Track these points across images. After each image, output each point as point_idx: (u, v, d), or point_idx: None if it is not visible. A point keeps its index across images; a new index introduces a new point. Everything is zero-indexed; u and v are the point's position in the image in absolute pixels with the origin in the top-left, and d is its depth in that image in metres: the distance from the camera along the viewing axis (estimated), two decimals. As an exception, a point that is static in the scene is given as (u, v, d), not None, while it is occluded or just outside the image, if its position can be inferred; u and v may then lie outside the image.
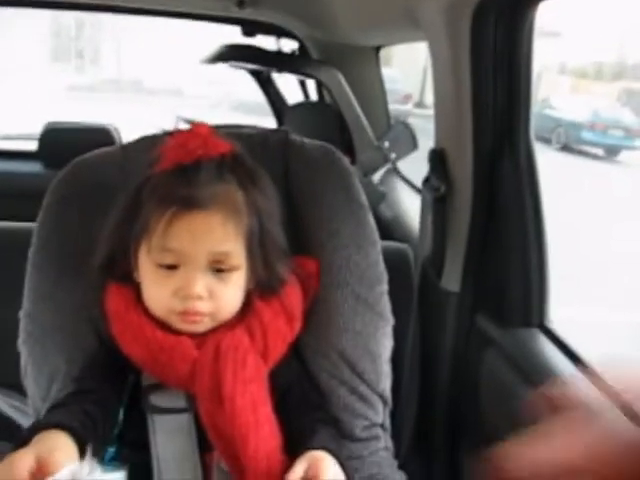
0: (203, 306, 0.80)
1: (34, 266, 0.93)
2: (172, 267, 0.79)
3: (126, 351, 0.82)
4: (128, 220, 0.82)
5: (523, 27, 1.02)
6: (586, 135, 9.79)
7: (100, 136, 2.21)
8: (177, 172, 0.79)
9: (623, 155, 9.92)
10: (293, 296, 0.89)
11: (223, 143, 0.82)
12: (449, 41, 1.08)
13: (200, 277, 0.79)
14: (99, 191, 0.94)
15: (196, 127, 0.82)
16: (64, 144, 2.06)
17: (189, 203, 0.77)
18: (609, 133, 9.74)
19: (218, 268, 0.80)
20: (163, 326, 0.82)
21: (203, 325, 0.82)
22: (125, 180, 0.94)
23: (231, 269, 0.81)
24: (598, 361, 0.98)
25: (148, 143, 0.98)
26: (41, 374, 0.91)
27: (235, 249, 0.81)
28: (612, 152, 9.94)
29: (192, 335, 0.82)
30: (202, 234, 0.78)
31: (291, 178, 0.99)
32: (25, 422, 1.03)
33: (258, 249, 0.83)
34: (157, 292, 0.81)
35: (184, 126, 0.84)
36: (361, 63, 1.90)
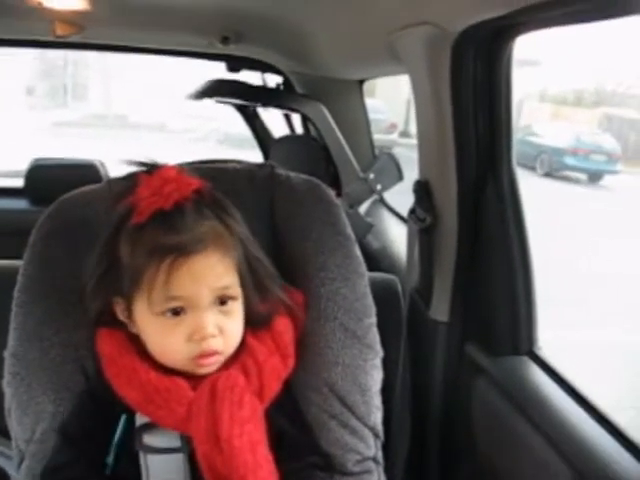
0: (217, 343, 0.80)
1: (19, 305, 0.92)
2: (178, 314, 0.78)
3: (120, 393, 0.81)
4: (109, 276, 0.81)
5: (502, 59, 1.05)
6: (569, 161, 9.96)
7: (86, 172, 2.22)
8: (159, 220, 0.78)
9: (606, 179, 10.09)
10: (285, 333, 0.89)
11: (194, 180, 0.81)
12: (430, 74, 1.10)
13: (209, 316, 0.79)
14: (86, 228, 0.93)
15: (165, 170, 0.80)
16: (50, 181, 2.07)
17: (185, 250, 0.76)
18: (591, 158, 9.92)
19: (222, 302, 0.80)
20: (158, 368, 0.81)
21: (215, 365, 0.81)
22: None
23: (232, 300, 0.81)
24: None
25: (120, 185, 0.98)
26: (26, 415, 0.89)
27: (233, 280, 0.81)
28: (595, 177, 10.10)
29: (187, 376, 0.81)
30: (204, 274, 0.78)
31: (277, 212, 0.99)
32: (7, 465, 1.00)
33: (249, 275, 0.83)
34: (168, 342, 0.79)
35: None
36: (345, 96, 1.93)
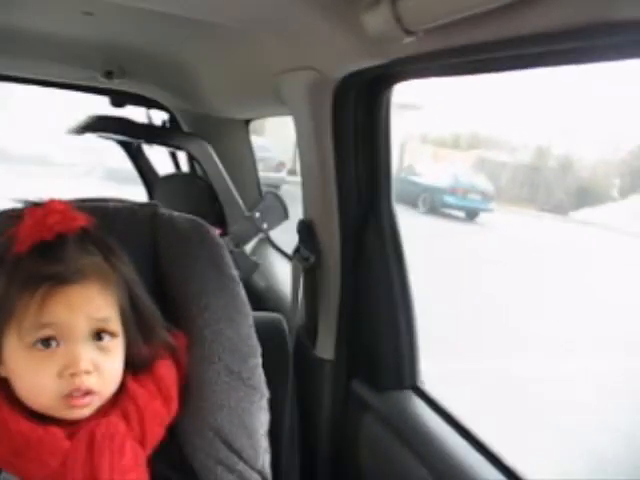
0: (91, 381, 0.75)
1: None
2: (50, 345, 0.73)
3: None
4: None
5: (381, 104, 1.10)
6: (448, 199, 10.59)
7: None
8: (40, 250, 0.75)
9: (481, 217, 10.84)
10: (167, 376, 0.86)
11: (81, 216, 0.80)
12: (312, 117, 1.13)
13: (83, 349, 0.74)
14: None
15: (52, 203, 0.79)
16: None
17: (63, 279, 0.73)
18: (468, 197, 10.61)
19: (99, 337, 0.76)
20: (30, 417, 0.75)
21: (90, 407, 0.76)
22: None
23: (111, 336, 0.78)
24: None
25: (5, 218, 0.92)
26: None
27: (113, 315, 0.78)
28: (472, 214, 10.82)
29: (63, 424, 0.75)
30: (81, 303, 0.74)
31: (160, 253, 0.97)
32: None
33: (132, 316, 0.81)
34: (37, 378, 0.74)
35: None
36: (231, 135, 1.94)
